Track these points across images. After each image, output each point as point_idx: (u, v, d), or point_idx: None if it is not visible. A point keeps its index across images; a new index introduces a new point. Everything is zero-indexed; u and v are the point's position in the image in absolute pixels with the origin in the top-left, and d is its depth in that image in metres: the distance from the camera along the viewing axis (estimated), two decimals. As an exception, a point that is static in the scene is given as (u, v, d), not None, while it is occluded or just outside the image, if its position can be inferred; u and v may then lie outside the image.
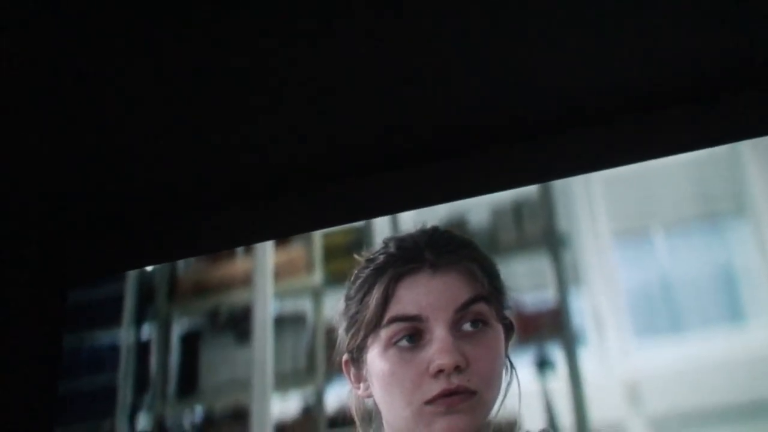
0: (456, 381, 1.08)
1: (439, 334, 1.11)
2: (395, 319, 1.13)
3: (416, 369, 1.10)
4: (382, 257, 1.20)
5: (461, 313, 1.12)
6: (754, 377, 1.26)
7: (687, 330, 1.31)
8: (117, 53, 1.19)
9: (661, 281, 1.35)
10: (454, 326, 1.12)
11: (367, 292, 1.17)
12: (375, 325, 1.15)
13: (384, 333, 1.14)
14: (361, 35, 1.19)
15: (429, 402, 1.09)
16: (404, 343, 1.13)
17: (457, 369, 1.09)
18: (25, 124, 1.32)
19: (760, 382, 1.25)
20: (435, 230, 1.24)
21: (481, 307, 1.14)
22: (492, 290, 1.17)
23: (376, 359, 1.15)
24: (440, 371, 1.09)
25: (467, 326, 1.12)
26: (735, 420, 1.25)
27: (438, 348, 1.10)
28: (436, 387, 1.09)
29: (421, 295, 1.14)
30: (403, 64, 1.26)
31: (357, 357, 1.18)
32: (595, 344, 1.34)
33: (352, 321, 1.19)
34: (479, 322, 1.13)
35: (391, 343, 1.13)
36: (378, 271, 1.18)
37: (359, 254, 1.24)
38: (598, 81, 1.34)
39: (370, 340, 1.16)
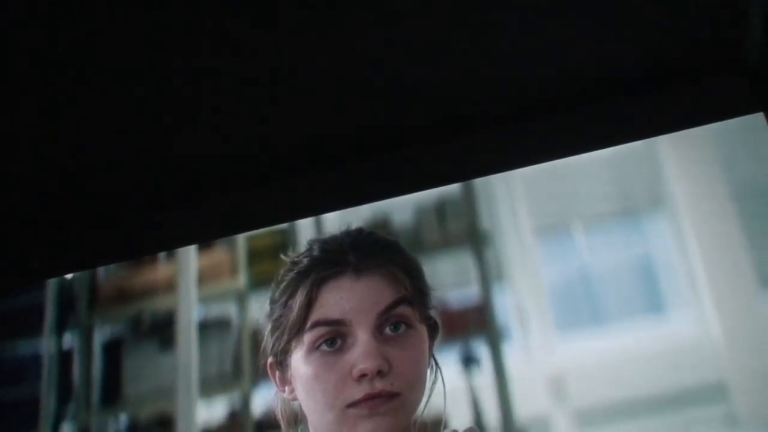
0: (379, 385, 1.08)
1: (362, 337, 1.10)
2: (318, 324, 1.13)
3: (339, 373, 1.10)
4: (306, 260, 1.19)
5: (384, 316, 1.12)
6: (676, 367, 1.28)
7: (609, 323, 1.34)
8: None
9: (582, 276, 1.37)
10: (377, 330, 1.12)
11: (291, 296, 1.17)
12: (298, 330, 1.14)
13: (307, 337, 1.13)
14: (284, 36, 1.19)
15: (351, 405, 1.09)
16: (327, 347, 1.12)
17: (380, 373, 1.09)
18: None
19: (681, 372, 1.28)
20: (359, 232, 1.23)
21: (404, 310, 1.14)
22: (415, 292, 1.17)
23: (300, 363, 1.14)
24: (363, 375, 1.09)
25: (390, 329, 1.12)
26: (658, 410, 1.27)
27: (361, 352, 1.10)
28: (359, 391, 1.09)
29: (344, 299, 1.13)
30: (325, 66, 1.26)
31: (282, 360, 1.18)
32: (519, 340, 1.36)
33: (276, 324, 1.18)
34: (402, 324, 1.13)
35: (314, 347, 1.13)
36: (301, 275, 1.17)
37: (285, 255, 1.24)
38: (515, 79, 1.35)
39: (294, 344, 1.15)
